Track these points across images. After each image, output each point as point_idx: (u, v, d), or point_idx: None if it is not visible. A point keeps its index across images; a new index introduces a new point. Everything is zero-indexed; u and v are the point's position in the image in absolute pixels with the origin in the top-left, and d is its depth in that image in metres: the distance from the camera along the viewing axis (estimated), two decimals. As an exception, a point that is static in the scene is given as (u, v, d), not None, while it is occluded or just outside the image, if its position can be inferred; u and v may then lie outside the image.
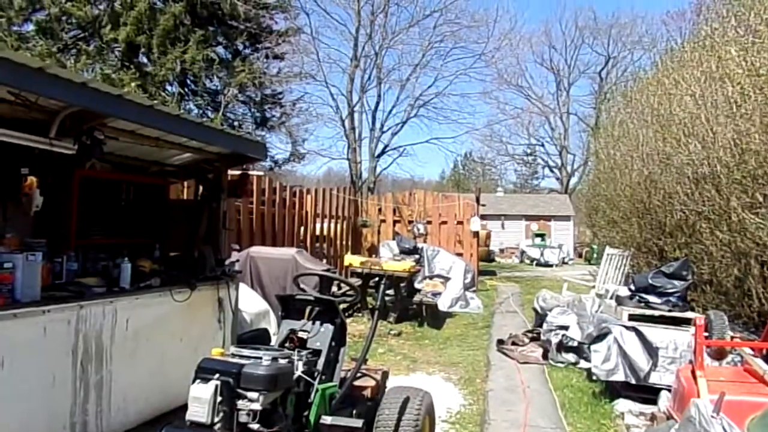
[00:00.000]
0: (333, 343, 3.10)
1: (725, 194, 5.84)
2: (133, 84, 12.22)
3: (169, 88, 14.20)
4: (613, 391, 5.08)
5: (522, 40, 37.62)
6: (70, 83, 2.92)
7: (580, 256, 27.85)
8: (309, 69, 23.23)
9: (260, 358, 2.56)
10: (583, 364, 6.03)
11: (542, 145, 42.25)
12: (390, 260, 9.53)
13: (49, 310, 3.04)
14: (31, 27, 12.81)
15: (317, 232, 11.16)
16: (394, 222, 14.02)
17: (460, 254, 12.89)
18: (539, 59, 41.00)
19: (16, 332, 2.86)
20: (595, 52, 39.71)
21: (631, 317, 5.37)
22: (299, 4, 23.06)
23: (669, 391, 4.17)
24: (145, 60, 13.63)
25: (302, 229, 10.57)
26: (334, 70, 29.80)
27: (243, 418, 2.42)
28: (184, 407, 2.47)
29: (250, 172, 7.04)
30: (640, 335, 4.86)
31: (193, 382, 2.44)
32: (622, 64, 35.80)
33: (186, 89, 14.79)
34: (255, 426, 2.42)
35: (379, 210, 14.17)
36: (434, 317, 8.88)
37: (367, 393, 3.37)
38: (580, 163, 38.52)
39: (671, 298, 5.40)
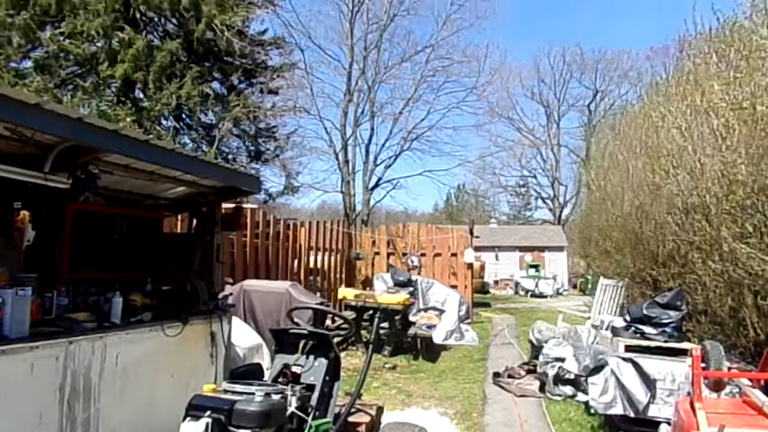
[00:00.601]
0: (327, 378, 3.06)
1: (715, 224, 5.91)
2: (128, 119, 12.34)
3: (164, 122, 14.36)
4: (612, 424, 5.00)
5: (512, 74, 38.72)
6: (66, 119, 2.94)
7: (574, 287, 27.82)
8: (303, 103, 23.65)
9: (253, 394, 2.52)
10: (580, 396, 5.95)
11: (534, 177, 42.81)
12: (384, 293, 9.47)
13: (37, 347, 2.98)
14: (29, 63, 13.00)
15: (311, 265, 11.12)
16: (388, 254, 14.01)
17: (454, 286, 12.85)
18: (529, 93, 42.02)
19: (3, 370, 2.80)
20: (583, 85, 40.79)
21: (628, 348, 5.34)
22: (294, 40, 23.70)
23: (668, 424, 4.11)
24: (141, 95, 13.81)
25: (296, 262, 10.53)
26: (327, 104, 30.32)
27: (235, 457, 2.36)
28: (174, 446, 2.41)
29: (244, 206, 7.05)
30: (637, 367, 4.83)
31: (184, 419, 2.40)
32: (610, 97, 36.83)
33: (181, 123, 14.96)
34: (247, 465, 2.36)
35: (373, 242, 14.17)
36: (429, 350, 8.77)
37: (362, 429, 3.31)
38: (572, 193, 39.00)
39: (667, 329, 5.40)
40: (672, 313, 5.45)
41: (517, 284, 25.83)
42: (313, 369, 3.06)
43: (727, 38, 6.55)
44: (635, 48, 45.76)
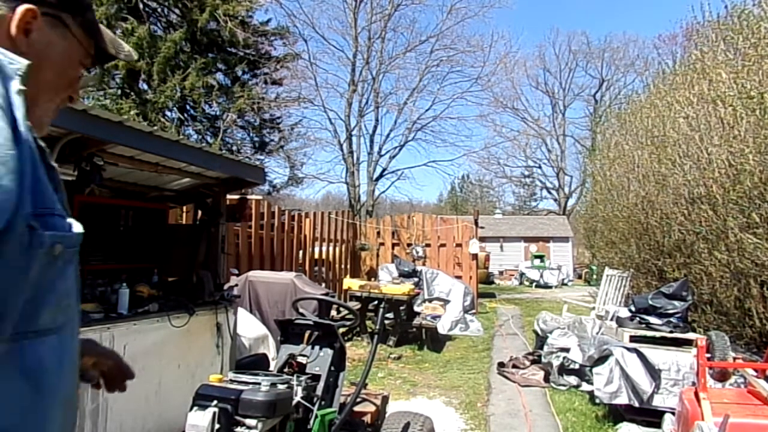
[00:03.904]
0: (332, 368, 3.07)
1: (722, 214, 5.87)
2: (132, 111, 12.35)
3: (168, 113, 14.35)
4: (616, 414, 5.01)
5: (517, 63, 38.28)
6: (71, 111, 2.95)
7: (579, 277, 27.77)
8: (307, 94, 23.53)
9: (259, 383, 2.54)
10: (585, 386, 5.97)
11: (539, 167, 42.55)
12: (389, 283, 9.49)
13: (45, 337, 3.01)
14: (32, 56, 12.99)
15: (316, 256, 11.15)
16: (393, 245, 14.02)
17: (459, 277, 12.87)
18: (534, 82, 41.63)
19: (12, 360, 2.83)
20: (589, 75, 40.41)
21: (633, 339, 5.34)
22: (297, 30, 23.56)
23: (673, 414, 4.12)
24: (145, 87, 13.80)
25: (301, 252, 10.56)
26: (331, 94, 30.29)
27: (241, 446, 2.39)
28: (181, 435, 2.43)
29: (249, 197, 7.07)
30: (642, 357, 4.83)
31: (191, 409, 2.41)
32: (616, 86, 36.43)
33: (185, 115, 14.95)
34: (253, 454, 2.39)
35: (378, 233, 14.17)
36: (434, 340, 8.81)
37: (367, 418, 3.33)
38: (577, 184, 38.75)
39: (672, 319, 5.38)
40: (677, 303, 5.43)
41: (522, 275, 25.81)
42: (318, 359, 3.07)
43: (735, 26, 6.47)
44: (642, 36, 45.38)
